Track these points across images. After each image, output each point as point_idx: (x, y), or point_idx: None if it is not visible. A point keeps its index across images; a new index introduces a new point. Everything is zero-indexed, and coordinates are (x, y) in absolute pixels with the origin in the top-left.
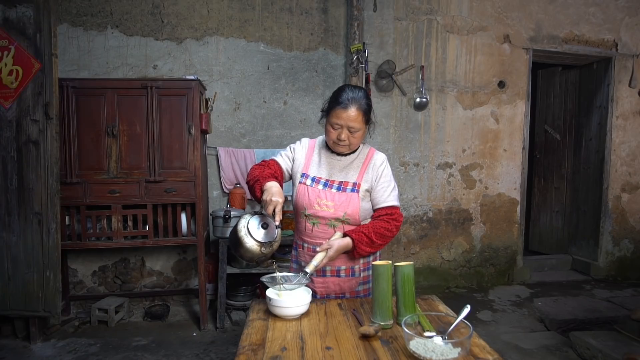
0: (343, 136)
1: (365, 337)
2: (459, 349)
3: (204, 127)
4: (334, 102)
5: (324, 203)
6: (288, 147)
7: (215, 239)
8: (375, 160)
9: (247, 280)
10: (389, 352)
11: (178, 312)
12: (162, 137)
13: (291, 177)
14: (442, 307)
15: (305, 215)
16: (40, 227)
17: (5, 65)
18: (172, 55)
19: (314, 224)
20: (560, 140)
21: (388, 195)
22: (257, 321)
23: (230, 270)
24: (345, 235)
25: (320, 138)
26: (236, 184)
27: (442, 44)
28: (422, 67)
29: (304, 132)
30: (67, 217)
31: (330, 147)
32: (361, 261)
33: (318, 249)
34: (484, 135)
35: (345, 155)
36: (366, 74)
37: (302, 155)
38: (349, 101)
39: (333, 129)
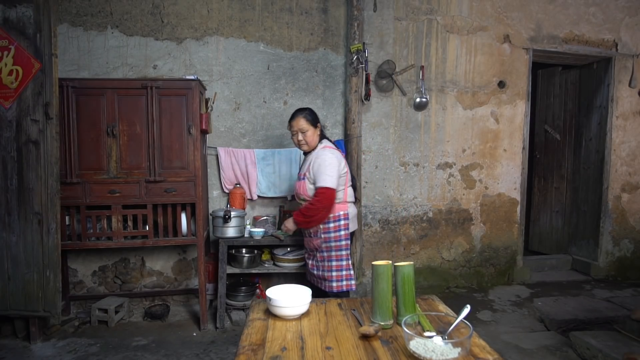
0: (300, 137)
1: (365, 337)
2: (459, 349)
3: (204, 127)
4: (289, 119)
5: (295, 189)
6: None
7: (215, 239)
8: (317, 155)
9: (247, 280)
10: (389, 352)
11: (178, 312)
12: (162, 137)
13: None
14: (442, 307)
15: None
16: (40, 227)
17: (5, 65)
18: (172, 55)
19: (298, 204)
20: (560, 140)
21: (318, 179)
22: (257, 321)
23: (230, 270)
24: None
25: None
26: (236, 184)
27: (442, 44)
28: (422, 67)
29: None
30: (67, 217)
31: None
32: (321, 226)
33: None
34: (484, 135)
35: (308, 155)
36: (366, 74)
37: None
38: (296, 114)
39: (293, 135)
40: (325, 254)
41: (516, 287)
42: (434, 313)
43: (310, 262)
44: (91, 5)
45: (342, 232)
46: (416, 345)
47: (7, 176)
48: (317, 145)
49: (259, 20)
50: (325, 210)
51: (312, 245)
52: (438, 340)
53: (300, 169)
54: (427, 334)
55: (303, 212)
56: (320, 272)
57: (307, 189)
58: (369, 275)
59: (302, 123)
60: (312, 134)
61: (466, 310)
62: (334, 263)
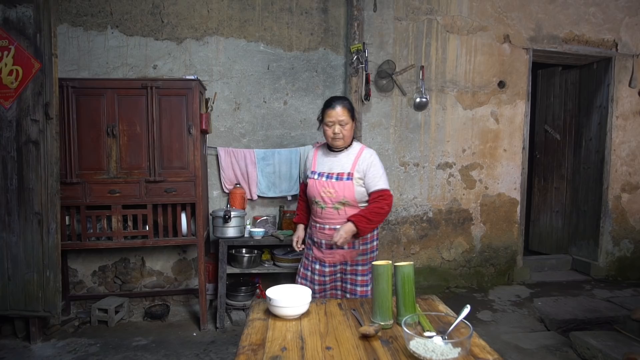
0: (337, 129)
1: (365, 337)
2: (459, 349)
3: (204, 127)
4: (325, 107)
5: (327, 191)
6: (302, 164)
7: (215, 239)
8: (364, 154)
9: (247, 280)
10: (389, 352)
11: (178, 312)
12: (162, 137)
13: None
14: (442, 307)
15: (315, 202)
16: (40, 227)
17: (5, 65)
18: (172, 55)
19: (322, 208)
20: (560, 140)
21: (378, 181)
22: (257, 321)
23: (230, 270)
24: (348, 220)
25: (322, 142)
26: (236, 184)
27: (442, 44)
28: (422, 67)
29: (304, 132)
30: (67, 217)
31: (329, 145)
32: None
33: (334, 238)
34: (484, 135)
35: (341, 151)
36: (366, 74)
37: (310, 159)
38: (335, 102)
39: (328, 127)
40: (359, 268)
41: (516, 287)
42: (434, 313)
43: (330, 277)
44: (91, 5)
45: (375, 243)
46: (416, 345)
47: (7, 176)
48: (351, 142)
49: (259, 20)
50: (387, 214)
51: (342, 258)
52: (438, 340)
53: (318, 166)
54: (427, 334)
55: (369, 218)
56: (351, 286)
57: (356, 192)
58: None
59: (343, 114)
60: (351, 127)
61: (466, 310)
62: (368, 276)
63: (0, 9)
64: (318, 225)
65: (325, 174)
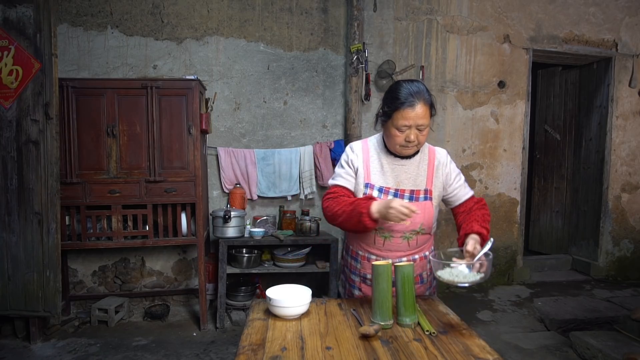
0: (412, 137)
1: (365, 337)
2: (482, 274)
3: (204, 127)
4: (397, 102)
5: (407, 218)
6: (344, 163)
7: (215, 239)
8: (439, 157)
9: (247, 280)
10: (389, 352)
11: (178, 312)
12: (162, 137)
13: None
14: (442, 307)
15: (375, 229)
16: (40, 227)
17: (5, 65)
18: (172, 55)
19: (385, 237)
20: (560, 140)
21: (465, 188)
22: (257, 321)
23: (230, 270)
24: (468, 233)
25: (373, 140)
26: (236, 184)
27: (442, 44)
28: (422, 67)
29: (304, 132)
30: (67, 217)
31: (393, 152)
32: (427, 266)
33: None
34: (484, 135)
35: (409, 157)
36: (366, 74)
37: (360, 164)
38: (414, 97)
39: (400, 131)
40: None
41: (516, 287)
42: (434, 313)
43: None
44: (91, 5)
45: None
46: (443, 273)
47: (7, 176)
48: None
49: (259, 20)
50: None
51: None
52: (463, 268)
53: (376, 176)
54: (453, 264)
55: (488, 228)
56: None
57: (434, 215)
58: None
59: (425, 115)
60: (428, 131)
61: (489, 243)
62: None
63: (0, 9)
64: (374, 257)
65: (392, 191)
